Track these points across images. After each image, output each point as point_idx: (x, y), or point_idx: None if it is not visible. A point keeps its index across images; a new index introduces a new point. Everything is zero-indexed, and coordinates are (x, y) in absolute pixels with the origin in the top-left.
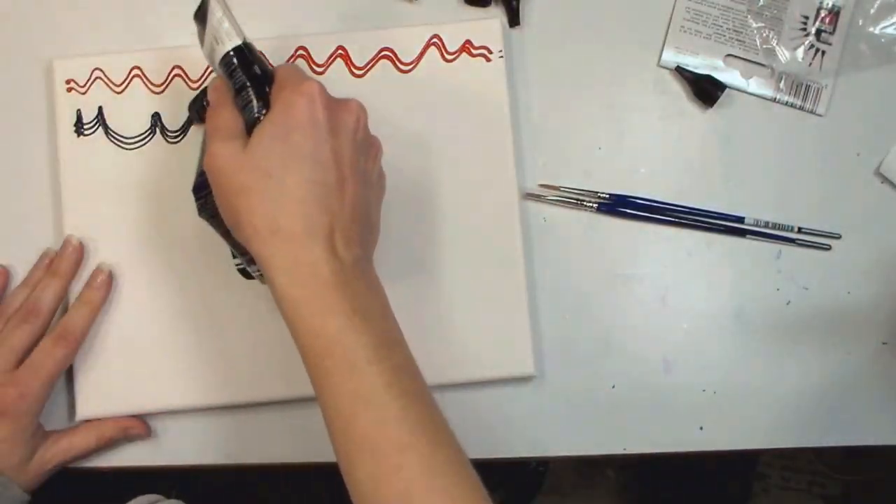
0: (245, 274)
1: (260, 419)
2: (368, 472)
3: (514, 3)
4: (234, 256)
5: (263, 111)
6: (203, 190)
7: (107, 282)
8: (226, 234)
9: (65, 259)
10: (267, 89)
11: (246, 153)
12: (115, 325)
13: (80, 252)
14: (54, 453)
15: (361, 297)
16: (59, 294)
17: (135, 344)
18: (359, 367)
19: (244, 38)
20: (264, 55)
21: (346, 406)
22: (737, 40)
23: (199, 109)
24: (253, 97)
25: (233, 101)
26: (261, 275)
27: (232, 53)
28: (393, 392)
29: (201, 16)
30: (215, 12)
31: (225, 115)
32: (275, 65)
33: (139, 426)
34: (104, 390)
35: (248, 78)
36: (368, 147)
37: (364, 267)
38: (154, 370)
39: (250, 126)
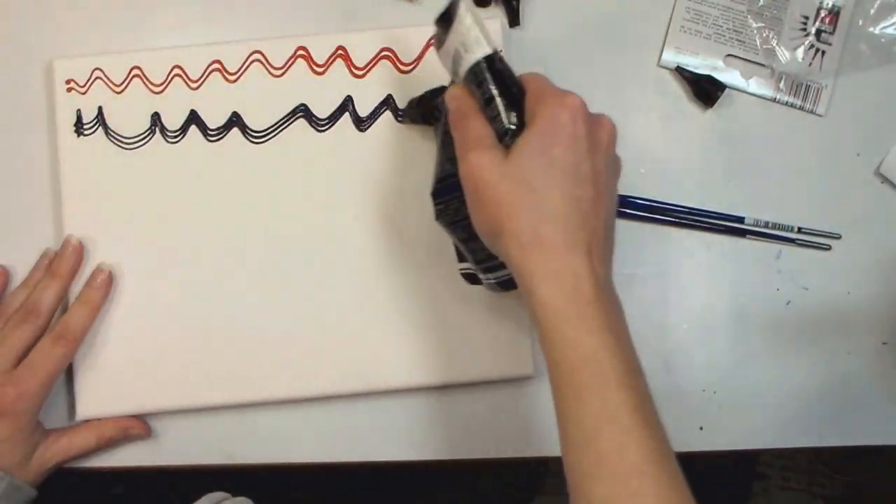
0: (471, 279)
1: (260, 419)
2: (604, 493)
3: (515, 3)
4: (461, 261)
5: (514, 123)
6: (444, 196)
7: (107, 281)
8: (465, 240)
9: (64, 259)
10: (519, 100)
11: (508, 164)
12: (115, 324)
13: (80, 252)
14: (54, 452)
15: (614, 317)
16: (58, 294)
17: (135, 344)
18: (611, 386)
19: (494, 48)
20: (507, 63)
21: (590, 423)
22: (737, 40)
23: (424, 112)
24: (502, 109)
25: (480, 110)
26: (495, 283)
27: (484, 63)
28: (637, 417)
29: (446, 20)
30: (464, 19)
31: (477, 125)
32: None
33: (139, 426)
34: (104, 390)
35: (499, 89)
36: (615, 164)
37: (613, 285)
38: (154, 370)
39: (499, 137)
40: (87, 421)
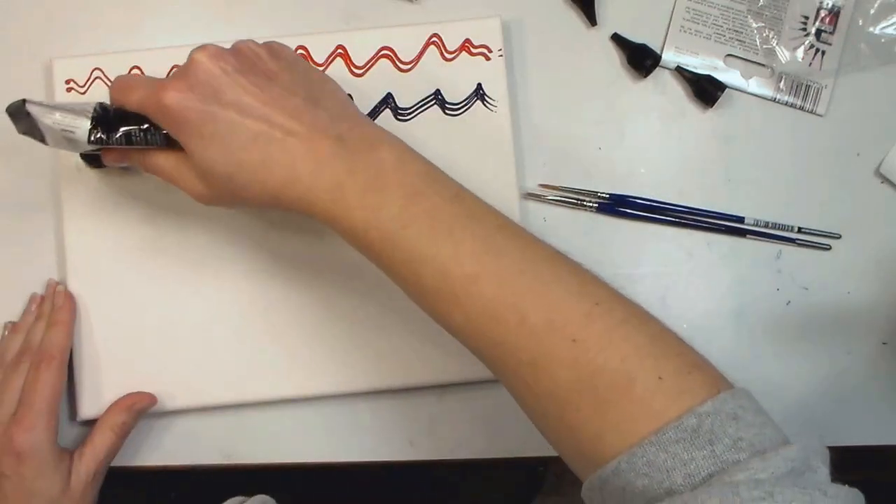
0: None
1: (260, 419)
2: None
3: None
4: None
5: (159, 131)
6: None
7: (66, 296)
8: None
9: (62, 308)
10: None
11: (191, 159)
12: (115, 326)
13: (72, 299)
14: (86, 465)
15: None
16: (69, 336)
17: (134, 345)
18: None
19: (89, 107)
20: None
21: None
22: (737, 40)
23: (94, 159)
24: (141, 133)
25: (146, 151)
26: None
27: (98, 133)
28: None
29: (25, 125)
30: (43, 117)
31: (161, 157)
32: None
33: (143, 398)
34: (105, 391)
35: (125, 123)
36: (232, 59)
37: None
38: (154, 371)
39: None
40: (93, 422)
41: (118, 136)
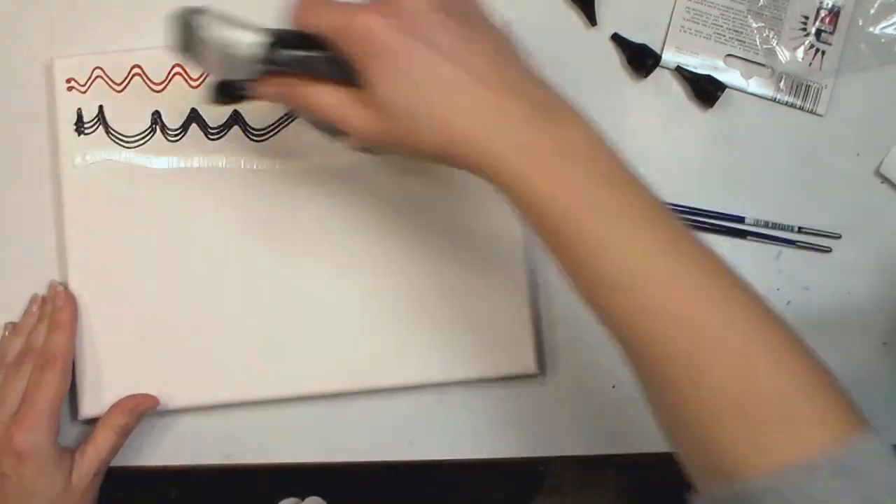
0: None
1: (260, 419)
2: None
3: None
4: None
5: (344, 60)
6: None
7: (68, 297)
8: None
9: (62, 309)
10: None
11: (373, 92)
12: (116, 325)
13: (73, 300)
14: (88, 464)
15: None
16: (71, 339)
17: (135, 344)
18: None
19: (264, 29)
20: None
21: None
22: (737, 40)
23: (229, 93)
24: (323, 58)
25: (312, 82)
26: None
27: (273, 47)
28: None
29: (184, 37)
30: (208, 28)
31: (326, 91)
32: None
33: (146, 400)
34: (106, 390)
35: (305, 45)
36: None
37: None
38: (155, 369)
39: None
40: (95, 421)
41: (294, 55)
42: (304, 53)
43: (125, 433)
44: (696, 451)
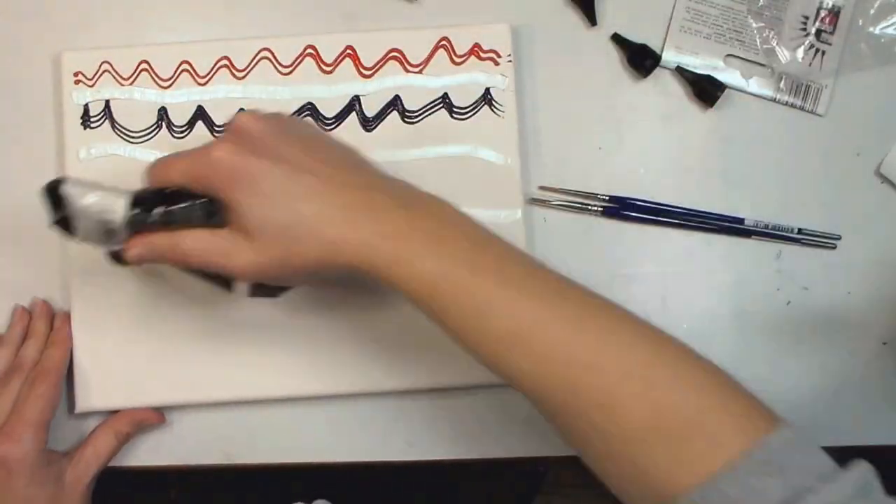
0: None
1: (260, 419)
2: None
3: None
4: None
5: (206, 203)
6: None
7: (65, 320)
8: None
9: (59, 329)
10: (188, 192)
11: (241, 221)
12: (114, 318)
13: (69, 321)
14: (85, 466)
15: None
16: (65, 356)
17: (134, 337)
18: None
19: (127, 192)
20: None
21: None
22: (737, 40)
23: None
24: (181, 209)
25: (176, 232)
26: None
27: (135, 210)
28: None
29: (60, 213)
30: (80, 199)
31: (193, 236)
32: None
33: (153, 416)
34: (103, 384)
35: (167, 202)
36: (275, 121)
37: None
38: (154, 364)
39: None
40: (93, 428)
41: (158, 212)
42: (171, 207)
43: (125, 441)
44: (628, 482)
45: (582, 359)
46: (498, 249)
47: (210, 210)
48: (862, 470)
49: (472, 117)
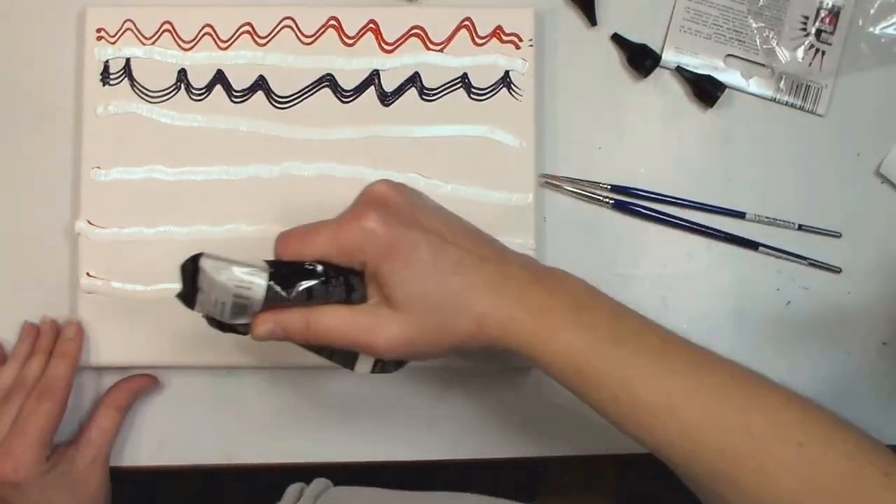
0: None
1: (260, 419)
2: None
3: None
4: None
5: (351, 277)
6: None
7: (79, 332)
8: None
9: (70, 340)
10: (326, 265)
11: (393, 295)
12: (120, 271)
13: (82, 334)
14: (94, 448)
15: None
16: (72, 370)
17: (138, 297)
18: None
19: (263, 267)
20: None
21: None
22: (737, 40)
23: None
24: (322, 285)
25: (310, 309)
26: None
27: (276, 287)
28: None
29: (191, 290)
30: (218, 273)
31: (333, 313)
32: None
33: (148, 382)
34: (112, 342)
35: (304, 277)
36: (407, 190)
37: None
38: (155, 326)
39: (358, 301)
40: (94, 409)
41: (300, 290)
42: (312, 283)
43: (127, 411)
44: None
45: (733, 423)
46: (634, 320)
47: (352, 285)
48: None
49: (490, 99)
